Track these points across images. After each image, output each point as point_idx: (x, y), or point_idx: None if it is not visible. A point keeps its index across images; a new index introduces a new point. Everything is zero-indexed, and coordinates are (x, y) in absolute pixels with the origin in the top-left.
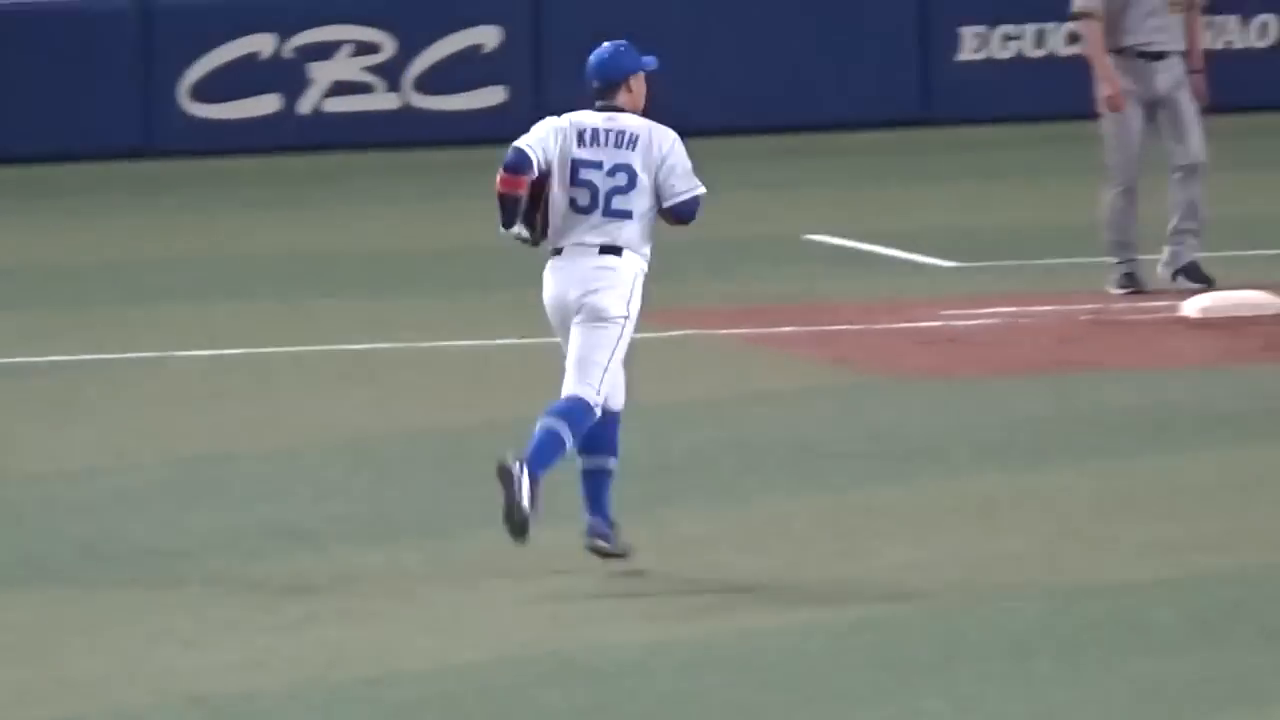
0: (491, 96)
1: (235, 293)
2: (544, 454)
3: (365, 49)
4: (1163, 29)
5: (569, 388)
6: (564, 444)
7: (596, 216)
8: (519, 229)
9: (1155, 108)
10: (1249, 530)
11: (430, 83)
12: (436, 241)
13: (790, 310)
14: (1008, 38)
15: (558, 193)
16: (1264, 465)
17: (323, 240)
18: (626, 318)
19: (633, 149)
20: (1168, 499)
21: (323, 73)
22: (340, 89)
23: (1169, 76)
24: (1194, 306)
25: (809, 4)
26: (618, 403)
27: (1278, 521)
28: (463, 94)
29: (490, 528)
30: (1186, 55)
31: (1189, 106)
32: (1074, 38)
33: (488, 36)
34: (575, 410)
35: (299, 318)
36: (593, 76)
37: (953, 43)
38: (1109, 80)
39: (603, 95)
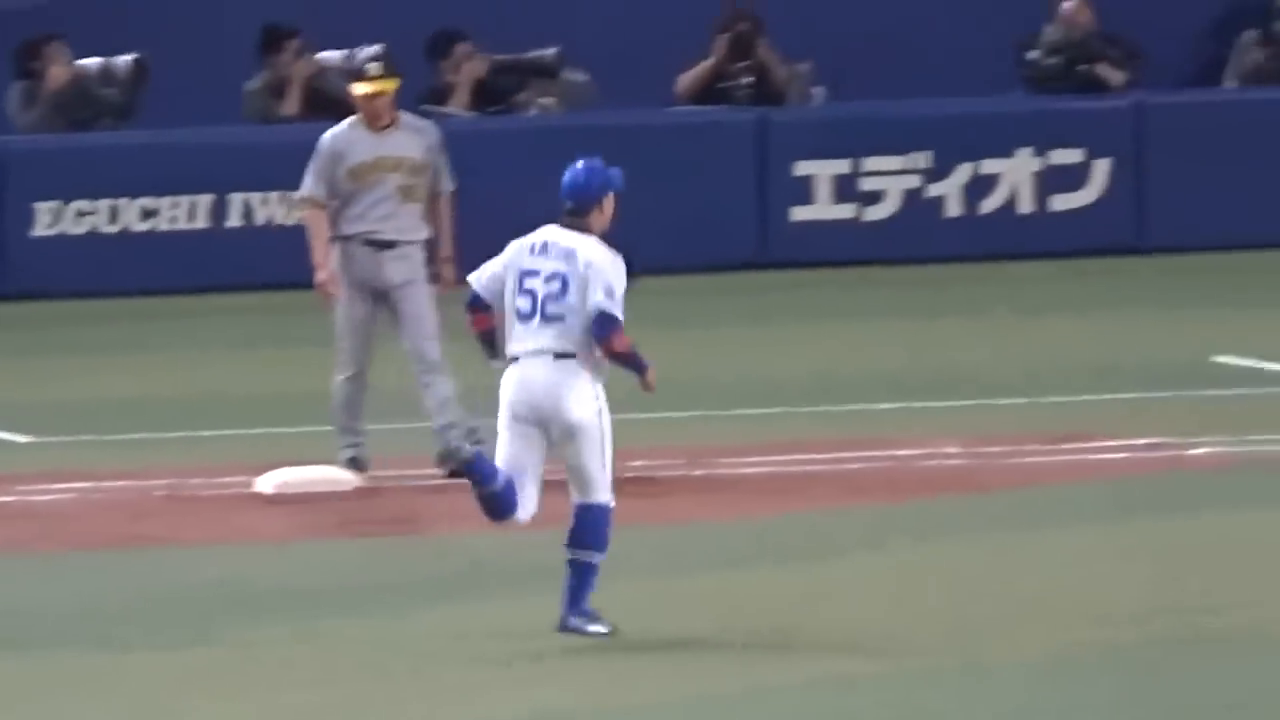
0: None
1: None
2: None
3: None
4: (390, 217)
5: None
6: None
7: (536, 321)
8: (500, 360)
9: (387, 297)
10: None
11: None
12: None
13: None
14: (81, 213)
15: (507, 305)
16: (404, 638)
17: None
18: (600, 416)
19: (568, 260)
20: (239, 675)
21: None
22: None
23: (401, 267)
24: (269, 483)
25: None
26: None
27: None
28: None
29: None
30: (434, 242)
31: (418, 301)
32: (149, 212)
33: None
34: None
35: None
36: (566, 197)
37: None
38: (321, 267)
39: (574, 215)
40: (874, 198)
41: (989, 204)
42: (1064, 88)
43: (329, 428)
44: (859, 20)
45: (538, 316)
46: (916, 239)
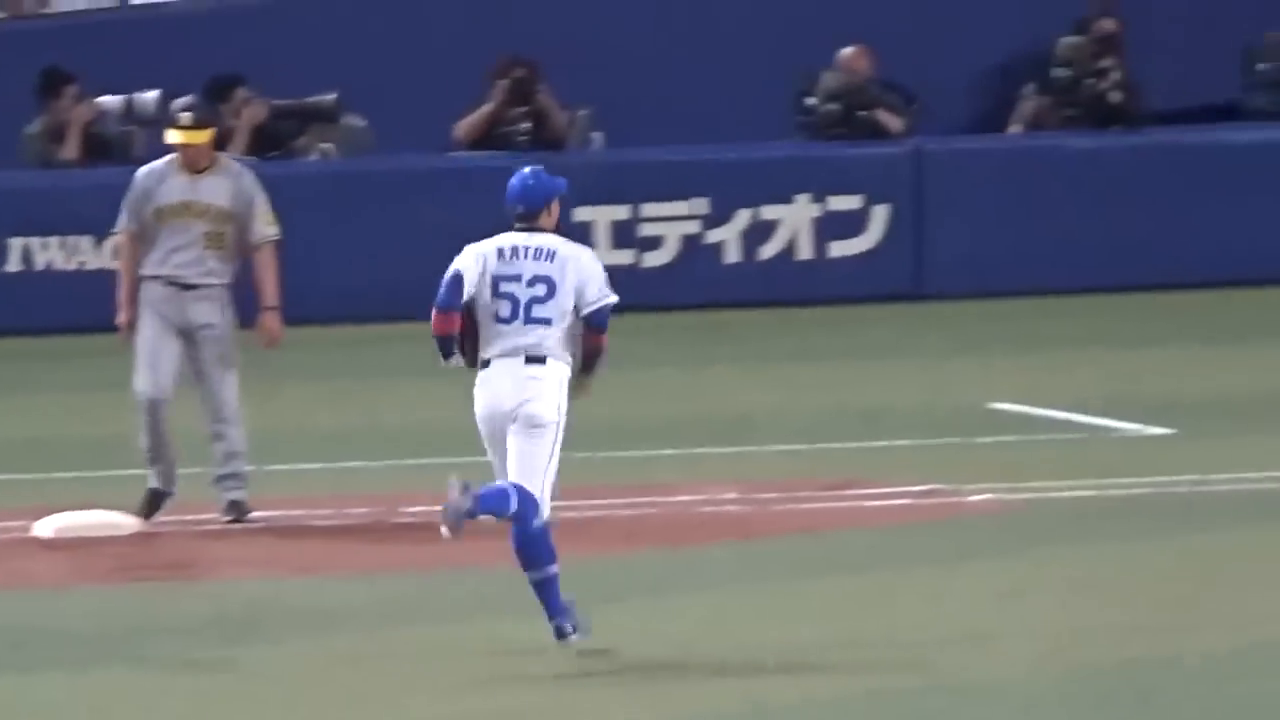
0: None
1: None
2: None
3: None
4: (194, 263)
5: (519, 483)
6: (510, 503)
7: (518, 325)
8: (457, 358)
9: (191, 337)
10: None
11: None
12: None
13: None
14: None
15: (482, 309)
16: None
17: None
18: (559, 422)
19: (551, 261)
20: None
21: None
22: None
23: (203, 309)
24: (47, 527)
25: None
26: (545, 513)
27: None
28: None
29: None
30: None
31: (218, 346)
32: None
33: None
34: (527, 493)
35: None
36: (516, 202)
37: None
38: (122, 308)
39: (524, 219)
40: (653, 244)
41: (768, 250)
42: (843, 134)
43: (107, 472)
44: (638, 66)
45: (520, 319)
46: (695, 285)
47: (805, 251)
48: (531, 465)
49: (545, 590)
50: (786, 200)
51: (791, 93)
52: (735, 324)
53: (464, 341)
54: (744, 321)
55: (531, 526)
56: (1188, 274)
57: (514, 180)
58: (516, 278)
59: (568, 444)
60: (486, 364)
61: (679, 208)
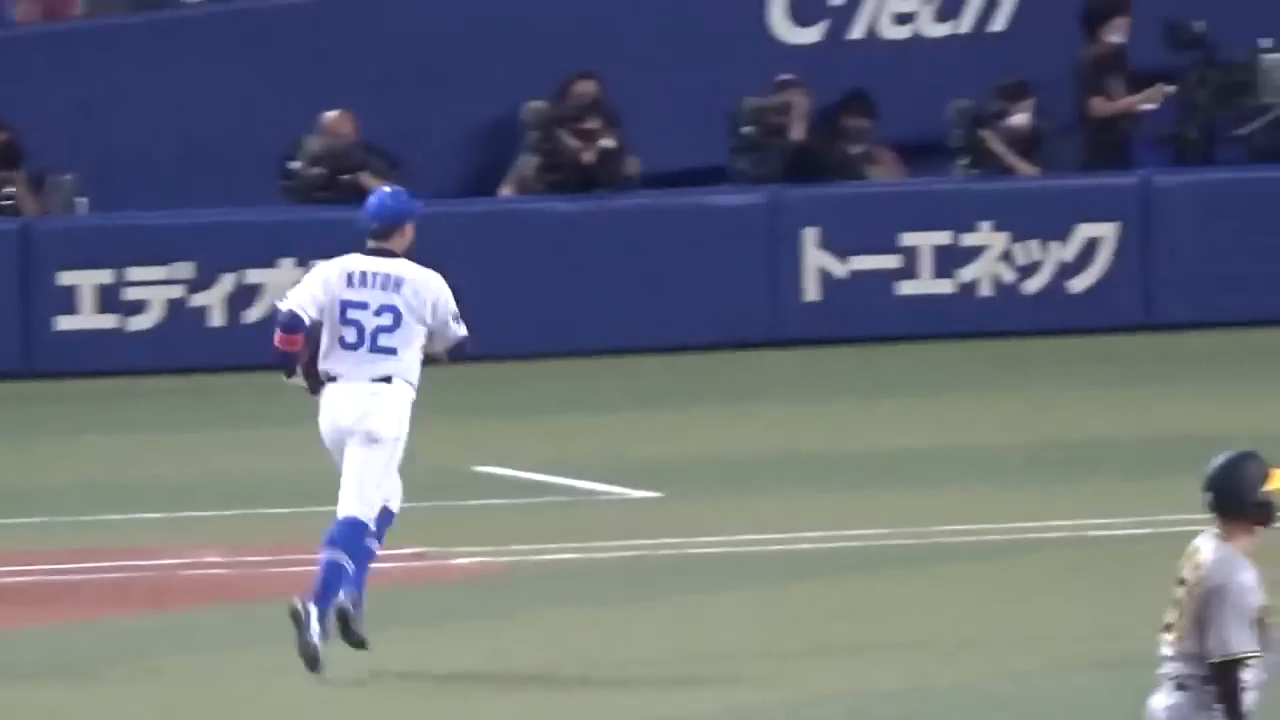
0: None
1: None
2: (329, 588)
3: None
4: None
5: (345, 508)
6: (346, 570)
7: (364, 352)
8: (299, 378)
9: None
10: None
11: None
12: None
13: None
14: None
15: (329, 328)
16: None
17: None
18: (398, 439)
19: (398, 291)
20: None
21: None
22: None
23: None
24: None
25: None
26: (396, 505)
27: None
28: None
29: None
30: None
31: None
32: None
33: None
34: (352, 534)
35: None
36: (372, 219)
37: None
38: None
39: (379, 237)
40: (137, 307)
41: (253, 314)
42: (327, 198)
43: None
44: (123, 131)
45: (365, 347)
46: (180, 349)
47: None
48: (365, 480)
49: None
50: (271, 264)
51: (275, 156)
52: (221, 388)
53: (310, 364)
54: (230, 386)
55: (366, 538)
56: (666, 337)
57: (372, 197)
58: (363, 305)
59: (39, 510)
60: (333, 379)
61: (163, 272)
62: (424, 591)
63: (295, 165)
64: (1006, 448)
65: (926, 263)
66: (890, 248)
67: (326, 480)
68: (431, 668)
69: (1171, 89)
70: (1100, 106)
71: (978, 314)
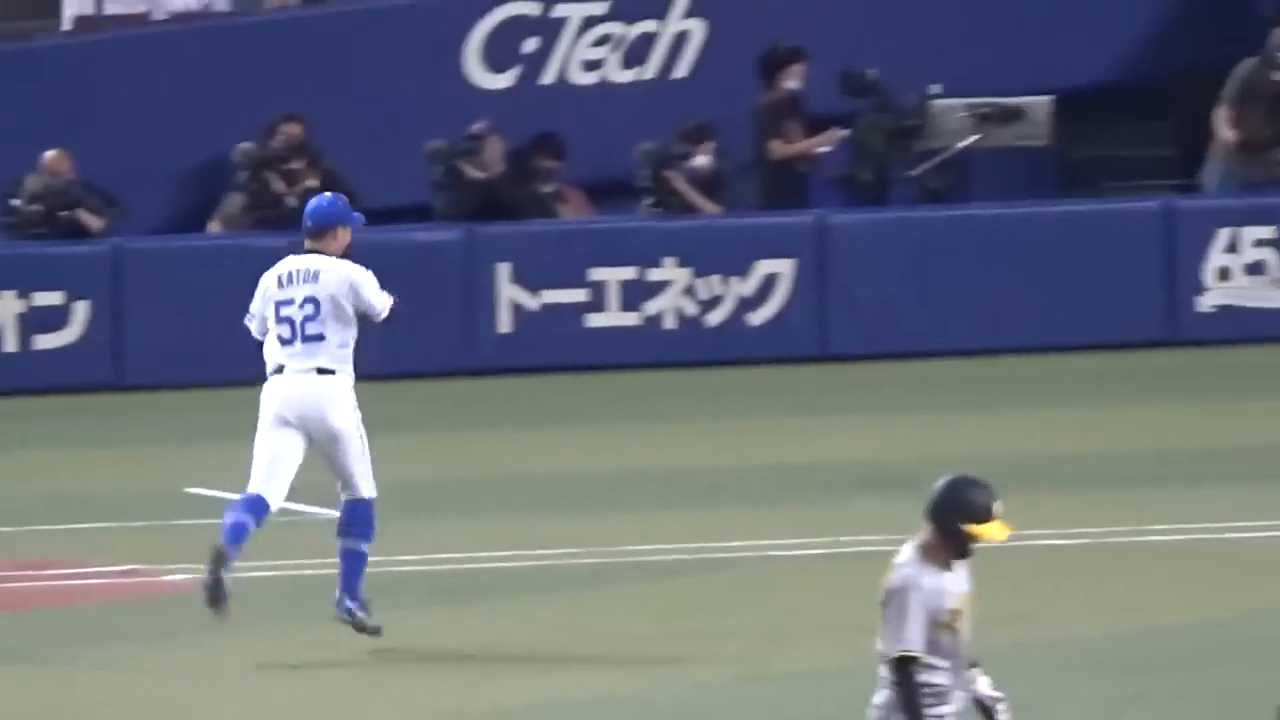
0: None
1: None
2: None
3: None
4: None
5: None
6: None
7: (298, 344)
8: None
9: None
10: None
11: None
12: None
13: None
14: None
15: (271, 329)
16: None
17: None
18: (357, 425)
19: (316, 281)
20: None
21: None
22: None
23: None
24: None
25: None
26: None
27: None
28: None
29: None
30: None
31: None
32: None
33: None
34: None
35: None
36: (307, 218)
37: None
38: None
39: (312, 237)
40: None
41: None
42: (45, 233)
43: None
44: None
45: (298, 340)
46: None
47: (11, 344)
48: (353, 471)
49: (352, 562)
50: None
51: None
52: None
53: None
54: None
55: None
56: (371, 367)
57: (312, 201)
58: (290, 302)
59: None
60: (280, 370)
61: None
62: (138, 606)
63: (16, 202)
64: (681, 471)
65: (614, 297)
66: (579, 282)
67: (49, 502)
68: (134, 680)
69: (846, 133)
70: (778, 149)
71: (663, 346)
